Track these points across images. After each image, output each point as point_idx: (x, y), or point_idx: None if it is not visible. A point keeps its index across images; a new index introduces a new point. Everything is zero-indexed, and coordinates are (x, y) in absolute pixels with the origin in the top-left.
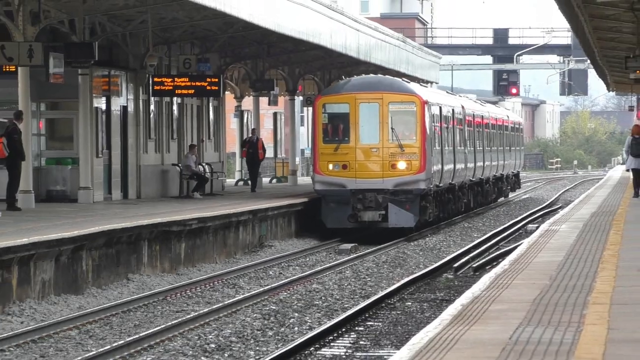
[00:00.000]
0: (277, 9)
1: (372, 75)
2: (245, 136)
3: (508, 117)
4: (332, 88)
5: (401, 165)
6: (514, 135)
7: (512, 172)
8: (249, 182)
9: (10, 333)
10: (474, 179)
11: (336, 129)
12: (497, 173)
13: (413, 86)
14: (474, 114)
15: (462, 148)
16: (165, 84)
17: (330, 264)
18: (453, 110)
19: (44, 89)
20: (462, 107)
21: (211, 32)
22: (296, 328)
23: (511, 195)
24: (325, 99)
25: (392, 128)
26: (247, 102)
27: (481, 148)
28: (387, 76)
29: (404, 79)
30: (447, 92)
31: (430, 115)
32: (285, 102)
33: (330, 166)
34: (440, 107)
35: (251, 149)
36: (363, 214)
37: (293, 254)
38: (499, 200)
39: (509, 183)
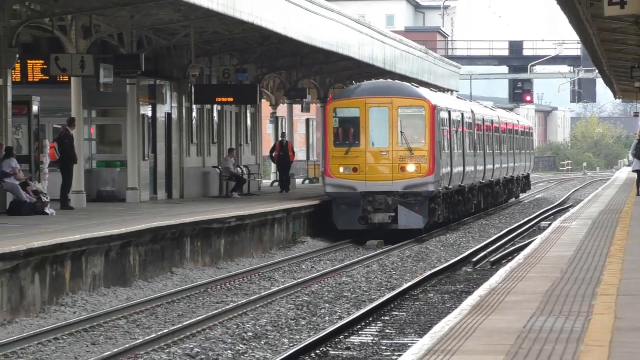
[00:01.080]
0: (310, 23)
1: (381, 80)
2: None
3: (518, 121)
4: (342, 93)
5: (410, 168)
6: (523, 139)
7: (522, 174)
8: (280, 183)
9: (64, 322)
10: (483, 181)
11: (347, 133)
12: (507, 175)
13: (422, 91)
14: (483, 119)
15: (472, 151)
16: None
17: (358, 259)
18: (462, 114)
19: (94, 98)
20: (472, 111)
21: (249, 45)
22: (327, 317)
23: (525, 195)
24: (336, 103)
25: (401, 132)
26: (282, 109)
27: (491, 151)
28: (396, 81)
29: (412, 83)
30: (457, 97)
31: (439, 119)
32: (317, 109)
33: (341, 169)
34: (449, 112)
35: (282, 151)
36: (373, 216)
37: (324, 249)
38: (509, 201)
39: (519, 185)
